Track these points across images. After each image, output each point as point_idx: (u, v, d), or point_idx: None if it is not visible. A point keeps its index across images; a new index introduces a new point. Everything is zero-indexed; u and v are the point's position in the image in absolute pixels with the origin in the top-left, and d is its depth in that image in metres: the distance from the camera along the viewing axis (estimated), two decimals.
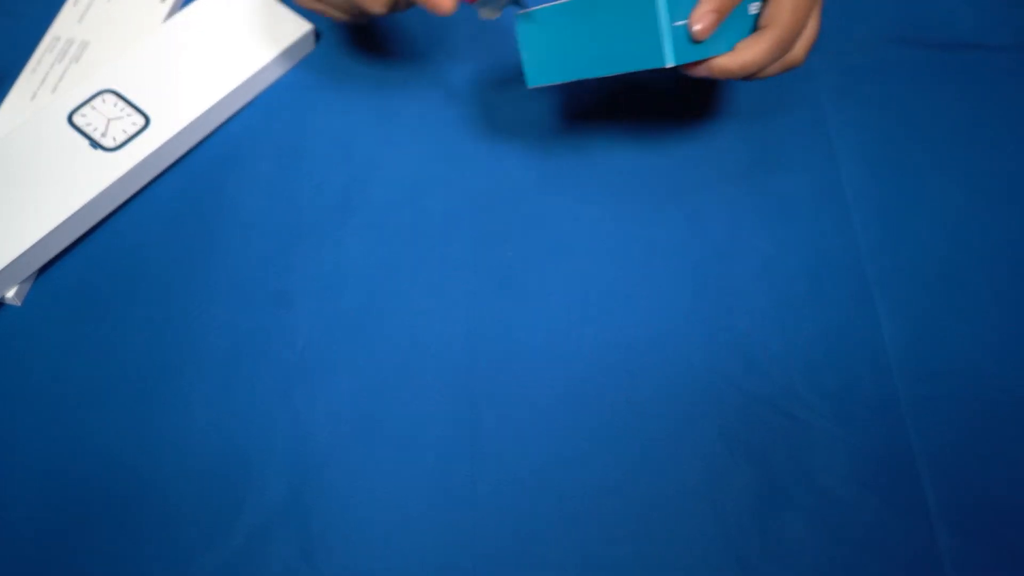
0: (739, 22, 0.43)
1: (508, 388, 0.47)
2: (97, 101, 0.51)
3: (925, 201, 0.53)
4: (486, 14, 0.44)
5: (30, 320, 0.48)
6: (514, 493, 0.45)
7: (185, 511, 0.44)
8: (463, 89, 0.56)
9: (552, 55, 0.44)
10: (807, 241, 0.51)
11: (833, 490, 0.45)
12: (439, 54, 0.57)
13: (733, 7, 0.41)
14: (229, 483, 0.44)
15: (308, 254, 0.50)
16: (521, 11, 0.45)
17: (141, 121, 0.51)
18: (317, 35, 0.57)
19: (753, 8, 0.43)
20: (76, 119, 0.50)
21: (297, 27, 0.55)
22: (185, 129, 0.51)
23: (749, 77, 0.43)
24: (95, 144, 0.50)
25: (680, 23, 0.40)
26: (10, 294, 0.47)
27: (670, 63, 0.40)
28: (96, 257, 0.50)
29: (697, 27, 0.40)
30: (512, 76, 0.56)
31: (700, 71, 0.42)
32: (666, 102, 0.56)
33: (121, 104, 0.51)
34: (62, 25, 0.55)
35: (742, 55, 0.42)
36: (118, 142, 0.50)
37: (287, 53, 0.55)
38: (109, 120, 0.51)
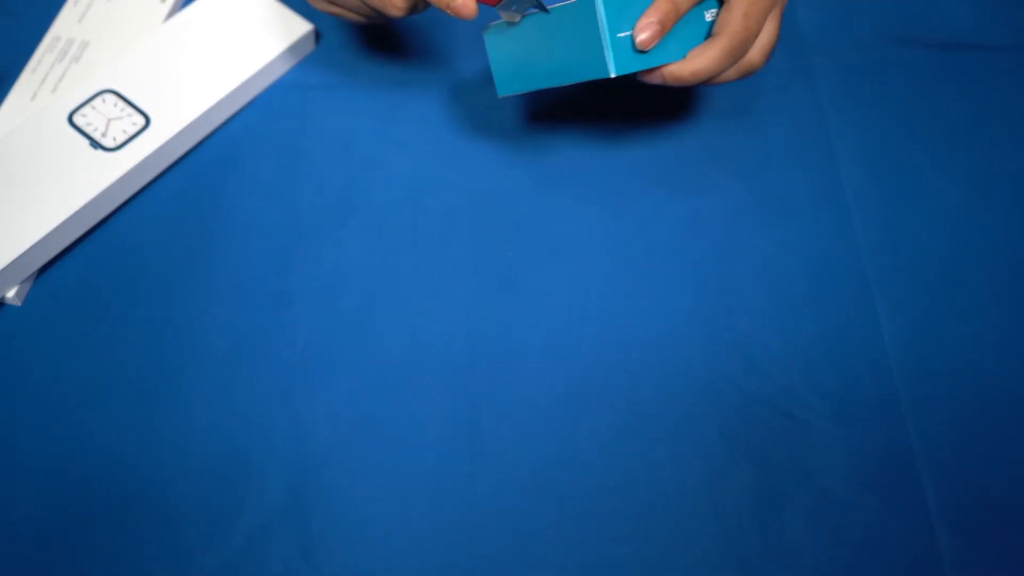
0: (694, 29, 0.43)
1: (508, 388, 0.47)
2: (97, 101, 0.51)
3: (925, 201, 0.53)
4: (508, 16, 0.44)
5: (30, 320, 0.48)
6: (514, 493, 0.45)
7: (185, 511, 0.44)
8: (463, 89, 0.56)
9: (516, 66, 0.46)
10: (807, 241, 0.51)
11: (833, 490, 0.45)
12: (440, 54, 0.57)
13: (679, 17, 0.41)
14: (229, 483, 0.44)
15: (308, 254, 0.50)
16: (493, 23, 0.47)
17: (141, 121, 0.51)
18: (317, 35, 0.57)
19: (709, 15, 0.43)
20: (76, 119, 0.50)
21: (297, 27, 0.55)
22: (185, 129, 0.51)
23: (705, 83, 0.44)
24: (95, 144, 0.50)
25: (625, 34, 0.41)
26: (10, 294, 0.47)
27: (613, 73, 0.41)
28: (96, 257, 0.50)
29: (641, 37, 0.41)
30: None
31: (653, 78, 0.43)
32: (666, 102, 0.56)
33: (121, 104, 0.51)
34: (62, 25, 0.55)
35: (693, 63, 0.42)
36: (118, 142, 0.50)
37: (287, 53, 0.55)
38: (109, 120, 0.51)
